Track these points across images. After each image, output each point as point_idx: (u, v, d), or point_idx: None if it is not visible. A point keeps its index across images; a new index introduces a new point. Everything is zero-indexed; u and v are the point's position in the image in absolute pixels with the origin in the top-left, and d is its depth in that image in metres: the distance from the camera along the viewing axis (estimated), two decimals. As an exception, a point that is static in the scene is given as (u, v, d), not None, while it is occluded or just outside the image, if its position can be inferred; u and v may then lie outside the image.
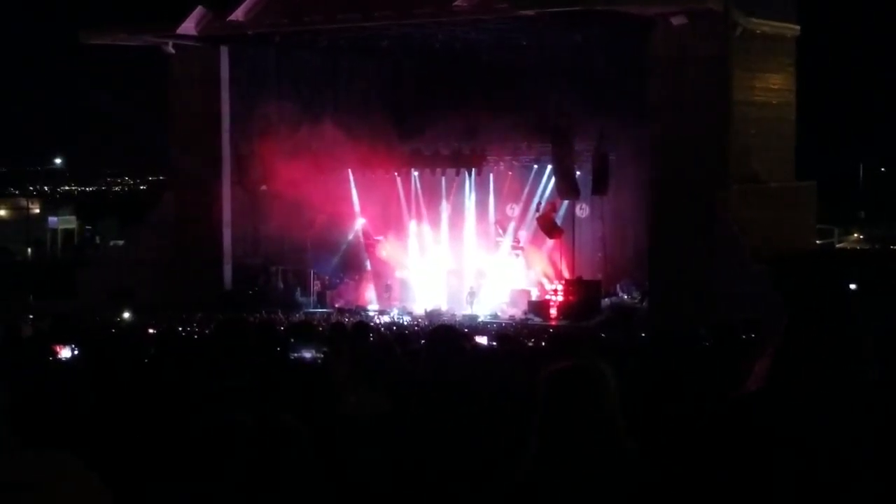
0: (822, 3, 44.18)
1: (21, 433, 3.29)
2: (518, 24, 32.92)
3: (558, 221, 34.79)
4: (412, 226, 37.12)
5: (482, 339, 17.64)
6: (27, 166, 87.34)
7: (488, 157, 35.20)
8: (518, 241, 35.90)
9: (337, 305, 35.53)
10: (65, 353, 11.02)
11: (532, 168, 36.01)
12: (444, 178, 36.47)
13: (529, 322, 31.83)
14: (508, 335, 16.24)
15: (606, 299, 33.56)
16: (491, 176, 36.14)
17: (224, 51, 35.55)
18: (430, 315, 33.02)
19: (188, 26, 34.52)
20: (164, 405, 6.95)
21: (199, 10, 34.51)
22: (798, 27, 33.43)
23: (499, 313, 33.65)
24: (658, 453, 3.98)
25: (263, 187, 35.63)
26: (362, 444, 6.10)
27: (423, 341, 9.48)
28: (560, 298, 33.21)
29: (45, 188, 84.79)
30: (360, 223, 37.53)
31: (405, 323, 31.47)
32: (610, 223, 35.02)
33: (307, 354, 10.01)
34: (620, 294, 34.30)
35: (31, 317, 27.24)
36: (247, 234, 36.64)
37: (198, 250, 35.20)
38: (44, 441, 3.35)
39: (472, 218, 36.57)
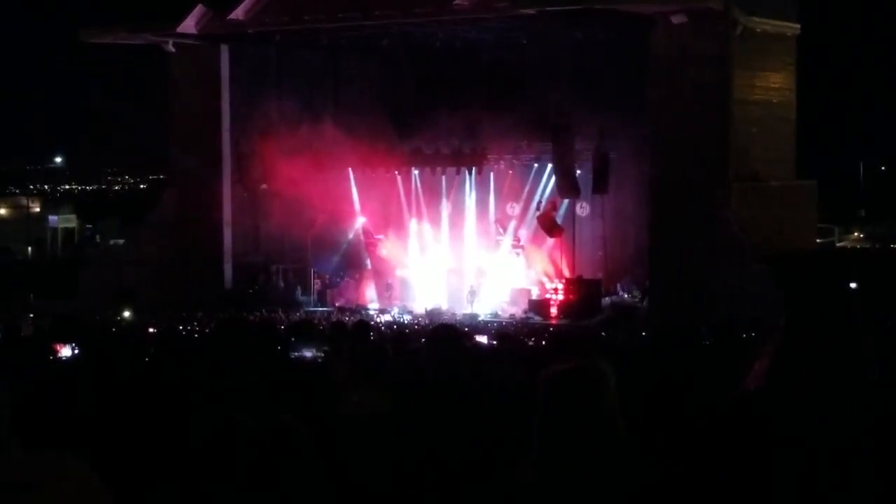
0: (822, 2, 44.20)
1: (21, 433, 3.29)
2: (518, 23, 32.92)
3: (559, 220, 34.79)
4: (412, 225, 37.11)
5: (482, 338, 17.64)
6: (27, 165, 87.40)
7: (489, 156, 35.18)
8: (518, 240, 35.89)
9: (337, 304, 35.54)
10: (65, 351, 11.02)
11: (532, 167, 36.01)
12: (444, 177, 36.46)
13: (530, 321, 31.84)
14: (509, 334, 16.26)
15: (607, 298, 33.56)
16: (491, 175, 36.13)
17: (224, 49, 35.55)
18: (430, 314, 33.03)
19: (188, 25, 34.52)
20: (164, 405, 6.95)
21: (199, 9, 34.51)
22: (798, 26, 33.42)
23: (499, 312, 33.65)
24: (658, 453, 3.98)
25: (264, 186, 35.63)
26: (363, 444, 6.10)
27: (423, 340, 9.48)
28: (560, 297, 33.21)
29: (46, 187, 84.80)
30: (360, 222, 37.52)
31: (405, 322, 31.47)
32: (610, 222, 35.02)
33: (308, 353, 10.01)
34: (621, 293, 34.31)
35: (31, 316, 27.27)
36: (247, 232, 36.64)
37: (198, 249, 35.21)
38: (44, 441, 3.35)
39: (473, 217, 36.56)
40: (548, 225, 34.57)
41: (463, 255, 36.20)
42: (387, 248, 36.97)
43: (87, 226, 59.83)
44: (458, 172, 36.08)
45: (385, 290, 36.03)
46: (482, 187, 36.43)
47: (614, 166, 33.57)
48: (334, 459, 5.07)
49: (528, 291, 34.59)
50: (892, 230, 47.50)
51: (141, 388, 7.76)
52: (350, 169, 36.49)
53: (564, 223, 34.82)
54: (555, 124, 33.68)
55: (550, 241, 35.22)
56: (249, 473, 3.80)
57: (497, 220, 36.31)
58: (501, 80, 36.30)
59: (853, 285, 29.18)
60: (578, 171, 33.87)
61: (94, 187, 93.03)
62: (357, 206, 37.25)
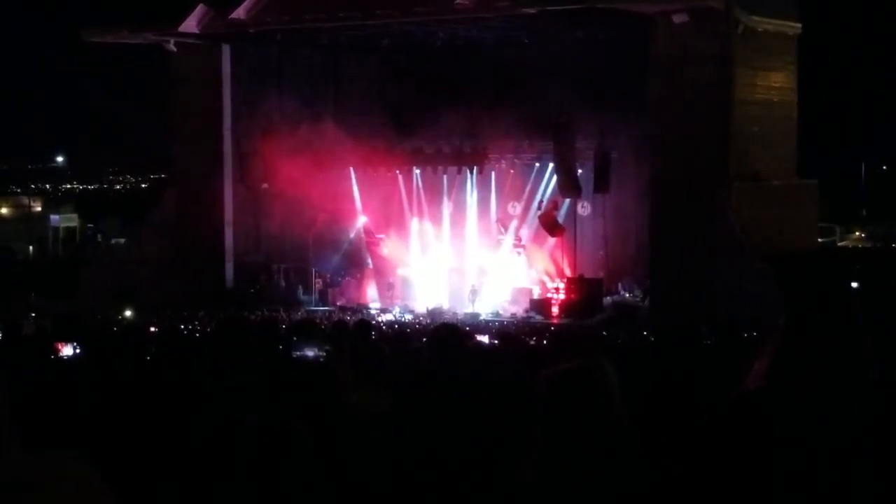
0: (823, 2, 44.17)
1: (22, 432, 3.29)
2: (519, 22, 32.92)
3: (560, 219, 34.79)
4: (414, 224, 37.12)
5: (484, 338, 17.65)
6: (29, 164, 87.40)
7: (490, 155, 35.19)
8: (520, 240, 35.89)
9: (339, 304, 35.54)
10: (66, 350, 11.03)
11: (534, 166, 36.00)
12: (445, 176, 36.46)
13: (531, 320, 31.85)
14: (510, 333, 16.27)
15: (608, 297, 33.56)
16: (493, 174, 36.13)
17: (225, 49, 35.55)
18: (431, 313, 33.04)
19: (190, 24, 34.52)
20: (165, 404, 6.95)
21: (200, 8, 34.51)
22: (799, 25, 33.41)
23: (500, 311, 33.66)
24: (659, 452, 3.98)
25: (265, 185, 35.65)
26: (364, 444, 6.10)
27: (424, 340, 9.49)
28: (562, 296, 33.22)
29: (47, 186, 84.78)
30: (361, 221, 37.53)
31: (407, 321, 31.47)
32: (612, 221, 35.02)
33: (309, 353, 10.01)
34: (622, 292, 34.31)
35: (32, 315, 27.28)
36: (248, 232, 36.66)
37: (199, 248, 35.21)
38: (45, 440, 3.35)
39: (474, 216, 36.57)
40: (549, 224, 34.57)
41: (464, 255, 36.21)
42: (388, 247, 36.97)
43: (89, 225, 59.84)
44: (459, 172, 36.08)
45: (387, 289, 36.03)
46: (483, 186, 36.43)
47: (615, 165, 33.58)
48: (335, 459, 5.07)
49: (530, 291, 34.59)
50: (894, 230, 47.46)
51: (142, 388, 7.77)
52: (351, 168, 36.49)
53: (566, 222, 34.83)
54: (556, 123, 33.69)
55: (552, 240, 35.21)
56: (250, 473, 3.81)
57: (498, 220, 36.31)
58: (503, 79, 36.29)
59: (854, 285, 29.17)
60: (580, 171, 33.88)
61: (96, 186, 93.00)
62: (358, 205, 37.25)
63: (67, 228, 57.93)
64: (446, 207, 36.86)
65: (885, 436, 3.64)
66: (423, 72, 38.65)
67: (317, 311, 34.14)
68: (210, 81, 35.36)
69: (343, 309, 34.49)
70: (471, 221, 36.56)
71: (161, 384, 7.81)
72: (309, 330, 11.51)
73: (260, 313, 31.19)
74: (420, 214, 37.11)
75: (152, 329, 20.44)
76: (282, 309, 33.14)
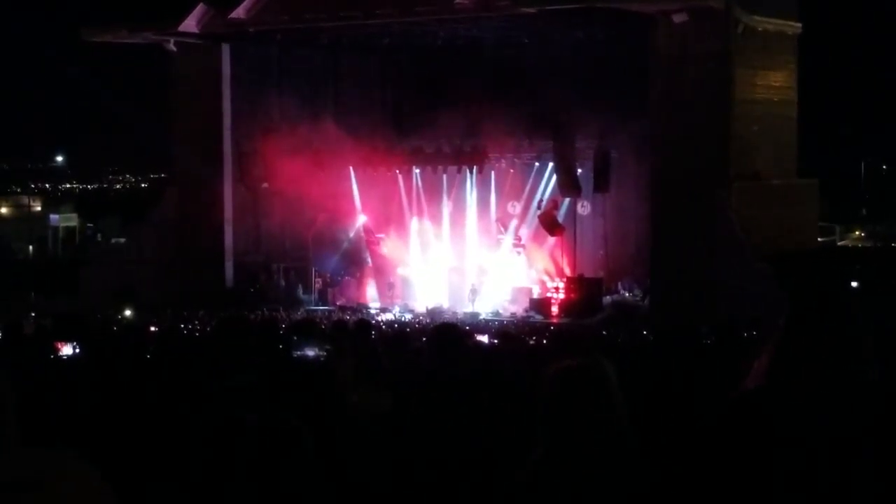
0: (823, 1, 44.15)
1: (22, 431, 3.29)
2: (519, 22, 32.93)
3: (560, 219, 34.80)
4: (414, 223, 37.12)
5: (483, 337, 17.65)
6: (29, 164, 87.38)
7: (490, 155, 35.19)
8: (519, 239, 35.89)
9: (338, 303, 35.55)
10: (66, 349, 11.02)
11: (533, 165, 36.01)
12: (445, 176, 36.46)
13: (531, 320, 31.85)
14: (510, 333, 16.26)
15: (608, 297, 33.56)
16: (492, 173, 36.13)
17: (225, 48, 35.55)
18: (431, 313, 33.04)
19: (190, 24, 34.52)
20: (165, 404, 6.96)
21: (200, 8, 34.51)
22: (799, 24, 33.41)
23: (500, 311, 33.67)
24: (659, 451, 3.98)
25: (265, 185, 35.65)
26: (364, 443, 6.11)
27: (424, 339, 9.49)
28: (561, 296, 33.22)
29: (47, 186, 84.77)
30: (361, 221, 37.53)
31: (407, 321, 31.48)
32: (612, 220, 35.03)
33: (310, 353, 10.00)
34: (622, 292, 34.32)
35: (32, 315, 27.27)
36: (248, 231, 36.66)
37: (199, 248, 35.22)
38: (45, 439, 3.35)
39: (474, 215, 36.57)
40: (549, 223, 34.58)
41: (464, 254, 36.22)
42: (388, 246, 36.98)
43: (89, 224, 59.87)
44: (459, 171, 36.08)
45: (387, 288, 36.04)
46: (483, 186, 36.43)
47: (615, 165, 33.59)
48: (335, 459, 5.07)
49: (530, 290, 34.60)
50: (894, 229, 47.50)
51: (142, 388, 7.77)
52: (351, 167, 36.49)
53: (565, 222, 34.83)
54: (556, 123, 33.69)
55: (551, 239, 35.22)
56: (251, 472, 3.81)
57: (498, 219, 36.31)
58: (502, 78, 36.28)
59: (854, 285, 29.17)
60: (580, 170, 33.89)
61: (96, 186, 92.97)
62: (358, 204, 37.26)
63: (67, 228, 57.96)
64: (446, 207, 36.86)
65: (885, 436, 3.64)
66: (423, 71, 38.66)
67: (316, 310, 34.15)
68: (210, 81, 35.36)
69: (343, 308, 34.50)
70: (470, 221, 36.56)
71: (161, 384, 7.81)
72: (309, 330, 11.50)
73: (260, 313, 31.18)
74: (420, 214, 37.11)
75: (152, 329, 20.43)
76: (281, 308, 33.15)
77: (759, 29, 31.75)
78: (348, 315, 30.95)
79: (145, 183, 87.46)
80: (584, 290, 32.97)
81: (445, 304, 34.43)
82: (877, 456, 3.61)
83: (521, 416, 5.31)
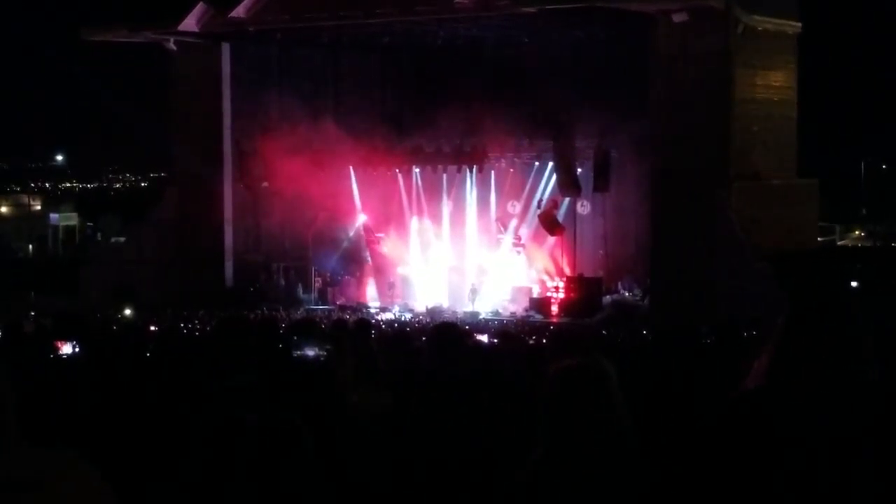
0: (823, 1, 44.17)
1: (22, 430, 3.29)
2: (520, 21, 32.92)
3: (560, 218, 34.80)
4: (413, 223, 37.13)
5: (483, 337, 17.64)
6: (28, 163, 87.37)
7: (490, 154, 35.19)
8: (519, 238, 35.89)
9: (338, 303, 35.55)
10: (66, 349, 11.02)
11: (533, 165, 36.02)
12: (445, 175, 36.47)
13: (531, 319, 31.85)
14: (510, 332, 16.24)
15: (608, 296, 33.56)
16: (492, 173, 36.14)
17: (225, 48, 35.54)
18: (431, 312, 33.05)
19: (189, 23, 34.52)
20: (165, 403, 6.96)
21: (200, 7, 34.51)
22: (799, 24, 33.40)
23: (500, 310, 33.67)
24: (659, 451, 3.98)
25: (265, 184, 35.65)
26: (364, 443, 6.11)
27: (424, 339, 9.49)
28: (561, 295, 33.22)
29: (47, 185, 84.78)
30: (361, 220, 37.54)
31: (406, 320, 31.48)
32: (611, 220, 35.03)
33: (310, 352, 9.99)
34: (622, 291, 34.32)
35: (32, 314, 27.27)
36: (248, 230, 36.66)
37: (199, 247, 35.22)
38: (45, 438, 3.35)
39: (474, 215, 36.58)
40: (549, 223, 34.58)
41: (464, 254, 36.22)
42: (388, 246, 36.98)
43: (88, 224, 59.86)
44: (458, 170, 36.09)
45: (387, 288, 36.05)
46: (483, 185, 36.43)
47: (615, 164, 33.59)
48: (335, 458, 5.07)
49: (529, 290, 34.60)
50: (893, 229, 47.51)
51: (142, 387, 7.77)
52: (351, 167, 36.50)
53: (565, 221, 34.83)
54: (556, 122, 33.70)
55: (551, 239, 35.22)
56: (251, 471, 3.81)
57: (498, 219, 36.31)
58: (502, 78, 36.29)
59: (854, 285, 29.18)
60: (579, 170, 33.89)
61: (95, 185, 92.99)
62: (358, 204, 37.26)
63: (67, 227, 57.94)
64: (446, 206, 36.87)
65: (885, 436, 3.64)
66: (423, 71, 38.66)
67: (316, 310, 34.15)
68: (210, 80, 35.36)
69: (343, 308, 34.51)
70: (470, 220, 36.56)
71: (161, 384, 7.81)
72: (309, 329, 11.49)
73: (259, 312, 31.19)
74: (420, 213, 37.12)
75: (152, 328, 20.43)
76: (281, 308, 33.15)
77: (759, 28, 31.75)
78: (348, 314, 30.95)
79: (145, 182, 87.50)
80: (584, 290, 32.97)
81: (445, 304, 34.44)
82: (877, 456, 3.61)
83: (521, 416, 5.31)
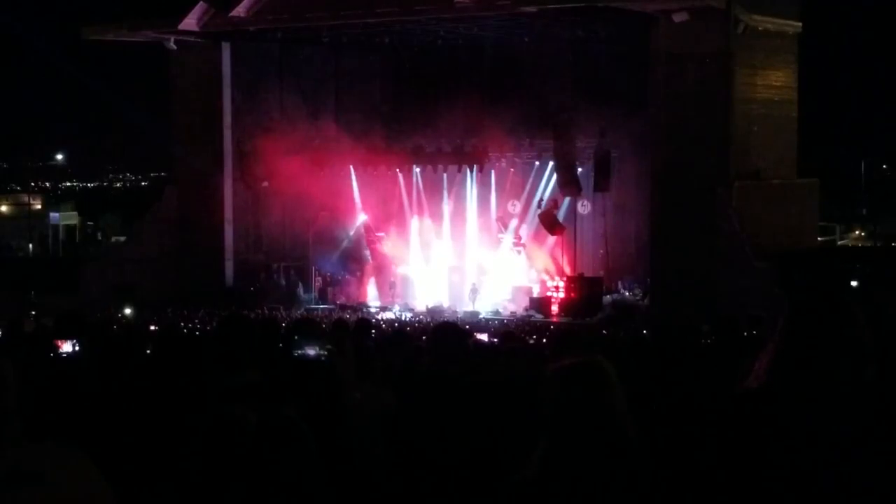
0: (823, 1, 44.17)
1: (22, 429, 3.30)
2: (520, 21, 32.93)
3: (560, 218, 34.81)
4: (414, 222, 37.14)
5: (483, 336, 17.64)
6: (29, 162, 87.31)
7: (490, 154, 35.22)
8: (520, 238, 35.91)
9: (338, 302, 35.56)
10: (66, 347, 11.02)
11: (534, 164, 36.04)
12: (445, 175, 36.48)
13: (531, 319, 31.87)
14: (510, 332, 16.24)
15: (608, 296, 33.58)
16: (493, 172, 36.16)
17: (226, 47, 35.56)
18: (431, 311, 33.06)
19: (190, 22, 34.53)
20: (166, 402, 6.95)
21: (200, 6, 34.52)
22: (800, 24, 33.42)
23: (500, 310, 33.68)
24: (659, 450, 3.98)
25: (265, 184, 35.66)
26: (365, 442, 6.11)
27: (424, 338, 9.49)
28: (561, 295, 33.23)
29: (47, 184, 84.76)
30: (361, 219, 37.54)
31: (407, 319, 31.49)
32: (612, 220, 35.04)
33: (310, 352, 10.00)
34: (622, 291, 34.33)
35: (32, 313, 27.28)
36: (248, 230, 36.68)
37: (199, 247, 35.25)
38: (45, 437, 3.36)
39: (474, 214, 36.60)
40: (549, 222, 34.59)
41: (464, 253, 36.24)
42: (388, 245, 36.99)
43: (89, 223, 59.89)
44: (459, 170, 36.12)
45: (387, 287, 36.06)
46: (483, 185, 36.45)
47: (616, 164, 33.60)
48: (337, 458, 5.07)
49: (530, 289, 34.61)
50: (894, 228, 47.51)
51: (141, 386, 7.77)
52: (351, 166, 36.51)
53: (566, 221, 34.84)
54: (556, 122, 33.71)
55: (552, 238, 35.23)
56: (252, 470, 3.81)
57: (498, 218, 36.32)
58: (503, 77, 36.30)
59: (854, 284, 29.18)
60: (580, 169, 33.90)
61: (96, 184, 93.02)
62: (358, 203, 37.28)
63: (68, 226, 57.95)
64: (446, 206, 36.88)
65: (885, 436, 3.65)
66: (423, 70, 38.66)
67: (317, 309, 34.17)
68: (210, 79, 35.39)
69: (343, 307, 34.51)
70: (471, 220, 36.58)
71: (161, 383, 7.80)
72: (310, 328, 11.49)
73: (260, 311, 31.20)
74: (420, 213, 37.13)
75: (152, 327, 20.45)
76: (282, 307, 33.16)
77: (760, 28, 31.77)
78: (349, 314, 30.96)
79: (145, 181, 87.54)
80: (585, 289, 32.98)
81: (445, 303, 34.45)
82: (877, 456, 3.62)
83: (522, 415, 5.31)
